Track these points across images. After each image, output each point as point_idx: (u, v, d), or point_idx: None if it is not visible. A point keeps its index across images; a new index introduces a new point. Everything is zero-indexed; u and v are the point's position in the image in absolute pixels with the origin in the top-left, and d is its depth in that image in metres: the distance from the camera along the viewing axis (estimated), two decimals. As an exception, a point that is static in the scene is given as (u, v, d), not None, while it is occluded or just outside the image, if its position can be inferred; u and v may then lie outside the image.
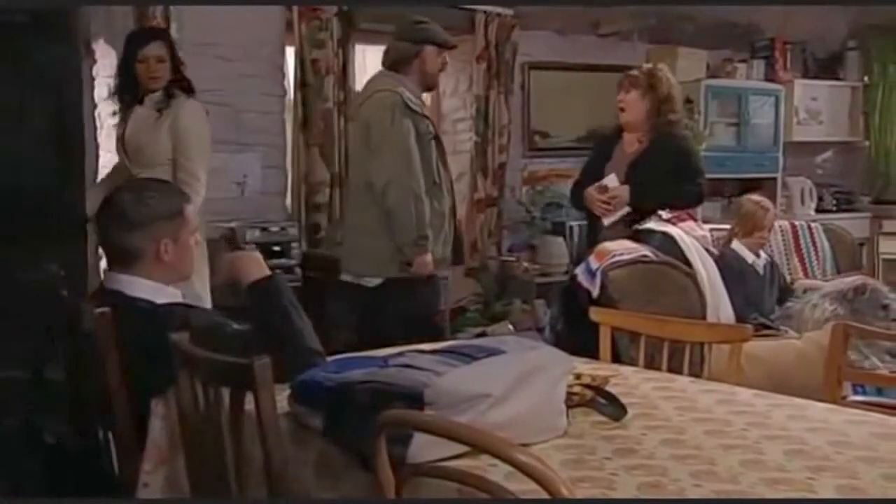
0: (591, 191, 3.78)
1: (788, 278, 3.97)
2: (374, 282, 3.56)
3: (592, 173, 3.87)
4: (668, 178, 3.70)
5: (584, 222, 4.14)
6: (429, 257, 3.49)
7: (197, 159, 3.51)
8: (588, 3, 5.48)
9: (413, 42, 3.58)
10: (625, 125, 3.83)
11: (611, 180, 3.73)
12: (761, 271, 3.72)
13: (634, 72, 3.82)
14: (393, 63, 3.60)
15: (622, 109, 3.80)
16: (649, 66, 3.88)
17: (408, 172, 3.43)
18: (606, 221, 3.75)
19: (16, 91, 3.67)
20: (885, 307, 3.48)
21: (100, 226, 2.16)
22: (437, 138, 3.61)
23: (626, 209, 3.69)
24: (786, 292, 3.74)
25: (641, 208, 3.67)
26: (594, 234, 3.82)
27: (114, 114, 3.72)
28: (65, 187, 3.73)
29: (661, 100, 3.75)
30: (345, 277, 3.64)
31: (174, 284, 2.18)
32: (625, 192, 3.69)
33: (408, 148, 3.43)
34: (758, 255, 3.75)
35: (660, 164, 3.70)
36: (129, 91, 3.60)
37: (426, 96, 3.91)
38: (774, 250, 3.99)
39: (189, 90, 3.60)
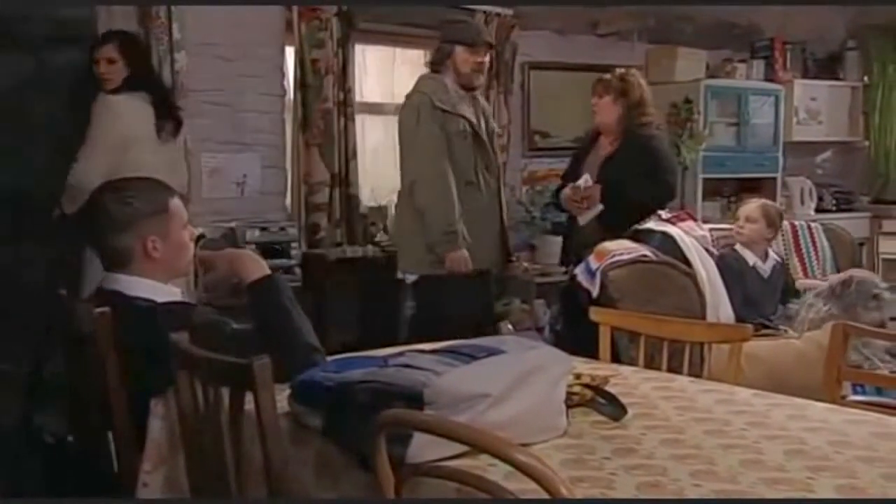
0: (567, 191, 3.85)
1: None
2: (412, 278, 3.70)
3: (571, 175, 3.92)
4: (639, 177, 3.72)
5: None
6: (462, 253, 3.57)
7: (81, 155, 3.47)
8: (588, 3, 5.48)
9: (445, 42, 3.67)
10: (599, 128, 3.92)
11: (584, 181, 3.79)
12: (766, 273, 3.71)
13: (607, 76, 3.88)
14: (431, 63, 3.73)
15: (594, 112, 3.89)
16: (622, 70, 3.93)
17: (433, 171, 3.52)
18: (581, 220, 3.82)
19: (28, 94, 3.72)
20: (876, 297, 3.49)
21: (87, 229, 2.16)
22: (475, 137, 3.66)
23: (599, 207, 3.74)
24: (789, 293, 3.73)
25: (615, 207, 3.71)
26: (574, 234, 3.91)
27: None
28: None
29: (633, 104, 3.81)
30: (399, 275, 3.80)
31: (173, 282, 2.18)
32: (596, 190, 3.73)
33: (431, 147, 3.52)
34: (763, 258, 3.74)
35: (629, 163, 3.74)
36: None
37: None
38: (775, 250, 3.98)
39: (137, 86, 3.63)
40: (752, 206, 3.76)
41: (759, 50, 6.39)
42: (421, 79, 3.76)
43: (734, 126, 5.98)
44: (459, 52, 3.63)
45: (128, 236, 2.09)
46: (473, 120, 3.66)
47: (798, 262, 4.00)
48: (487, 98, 5.26)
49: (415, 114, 3.56)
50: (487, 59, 3.76)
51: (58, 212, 3.63)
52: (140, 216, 2.09)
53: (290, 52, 4.72)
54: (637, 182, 3.70)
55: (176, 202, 2.17)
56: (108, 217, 2.10)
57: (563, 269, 4.10)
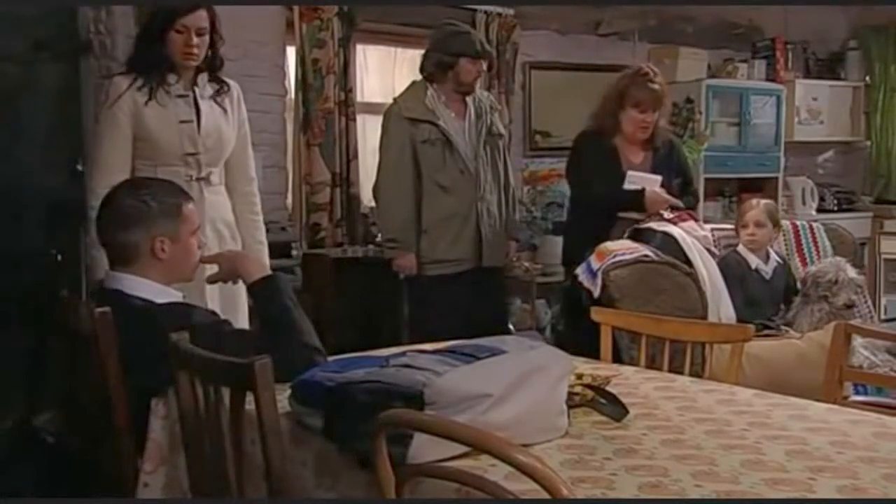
0: (659, 192, 3.64)
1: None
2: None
3: (609, 175, 3.68)
4: (679, 186, 3.77)
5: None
6: (404, 260, 3.72)
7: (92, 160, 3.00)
8: (588, 2, 5.46)
9: (448, 54, 3.71)
10: (632, 139, 3.73)
11: (654, 182, 3.65)
12: (768, 275, 3.69)
13: (656, 88, 3.65)
14: (429, 74, 3.78)
15: (645, 128, 3.68)
16: (655, 75, 3.70)
17: (385, 177, 3.72)
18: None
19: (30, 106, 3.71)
20: (836, 281, 3.49)
21: (98, 223, 2.19)
22: (447, 143, 3.71)
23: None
24: (791, 293, 3.72)
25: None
26: (608, 232, 3.60)
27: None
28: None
29: (665, 112, 3.81)
30: (400, 275, 3.92)
31: (175, 285, 2.19)
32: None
33: (388, 158, 3.71)
34: (766, 260, 3.72)
35: (671, 170, 3.76)
36: None
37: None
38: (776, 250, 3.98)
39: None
40: (757, 210, 3.71)
41: (760, 50, 6.39)
42: (407, 87, 3.89)
43: (736, 126, 5.97)
44: (464, 63, 3.69)
45: (137, 234, 2.11)
46: (445, 126, 3.70)
47: (799, 261, 3.98)
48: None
49: (385, 122, 3.77)
50: (486, 66, 3.89)
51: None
52: (153, 215, 2.11)
53: (290, 52, 4.72)
54: (677, 192, 3.74)
55: (190, 207, 2.20)
56: (121, 212, 2.13)
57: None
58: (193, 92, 2.93)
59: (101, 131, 2.92)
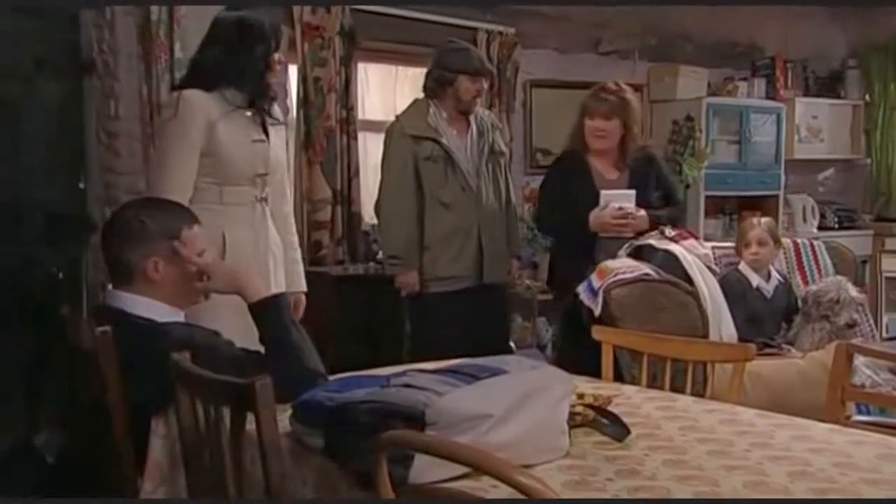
0: (609, 213, 3.59)
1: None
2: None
3: (580, 198, 3.66)
4: (658, 199, 3.75)
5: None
6: (407, 277, 3.72)
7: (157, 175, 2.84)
8: (587, 2, 5.45)
9: (448, 71, 3.72)
10: (598, 151, 3.74)
11: (628, 198, 3.60)
12: (769, 293, 3.68)
13: (611, 97, 3.68)
14: (430, 90, 3.80)
15: (601, 136, 3.69)
16: (613, 86, 3.73)
17: (387, 194, 3.73)
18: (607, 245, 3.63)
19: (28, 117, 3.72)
20: (837, 301, 3.48)
21: (102, 240, 2.19)
22: (449, 160, 3.72)
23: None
24: (793, 312, 3.72)
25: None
26: (593, 252, 3.60)
27: None
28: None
29: (634, 123, 3.75)
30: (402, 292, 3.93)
31: (181, 307, 2.18)
32: (644, 218, 3.62)
33: (389, 176, 3.72)
34: (767, 278, 3.71)
35: (650, 186, 3.73)
36: None
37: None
38: (777, 268, 3.97)
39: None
40: (759, 228, 3.70)
41: (760, 68, 6.41)
42: (409, 105, 3.90)
43: (736, 144, 5.99)
44: (462, 80, 3.70)
45: (134, 253, 2.10)
46: (447, 143, 3.71)
47: (800, 280, 3.98)
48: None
49: (387, 140, 3.78)
50: (486, 85, 3.87)
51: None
52: (148, 236, 2.11)
53: (292, 71, 4.74)
54: (659, 205, 3.72)
55: (192, 232, 2.18)
56: (122, 231, 2.13)
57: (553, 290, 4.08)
58: (262, 113, 2.88)
59: (168, 146, 2.79)
